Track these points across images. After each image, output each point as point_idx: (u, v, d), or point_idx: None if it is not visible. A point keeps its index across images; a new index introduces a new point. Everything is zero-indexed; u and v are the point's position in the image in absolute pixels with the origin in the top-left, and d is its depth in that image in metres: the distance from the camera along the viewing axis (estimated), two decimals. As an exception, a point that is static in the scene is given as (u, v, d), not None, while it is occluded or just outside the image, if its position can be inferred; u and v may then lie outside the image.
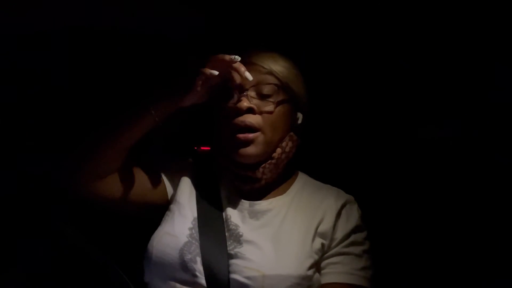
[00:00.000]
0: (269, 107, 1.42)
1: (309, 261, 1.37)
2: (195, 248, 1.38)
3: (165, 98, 1.41)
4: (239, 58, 1.36)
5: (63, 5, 1.48)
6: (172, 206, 1.47)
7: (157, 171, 1.50)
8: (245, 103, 1.40)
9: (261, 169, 1.44)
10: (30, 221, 1.56)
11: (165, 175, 1.51)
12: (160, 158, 1.56)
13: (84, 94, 1.72)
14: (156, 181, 1.49)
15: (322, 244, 1.40)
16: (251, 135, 1.41)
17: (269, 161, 1.44)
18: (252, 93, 1.42)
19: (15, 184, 1.63)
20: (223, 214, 1.45)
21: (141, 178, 1.47)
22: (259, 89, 1.42)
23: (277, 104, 1.43)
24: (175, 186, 1.50)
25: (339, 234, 1.41)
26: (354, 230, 1.42)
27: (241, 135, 1.41)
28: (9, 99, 1.65)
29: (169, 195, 1.50)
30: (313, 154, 1.64)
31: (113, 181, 1.42)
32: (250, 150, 1.41)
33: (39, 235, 1.54)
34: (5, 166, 1.64)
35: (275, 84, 1.43)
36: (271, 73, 1.43)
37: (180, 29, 1.69)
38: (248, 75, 1.37)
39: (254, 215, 1.44)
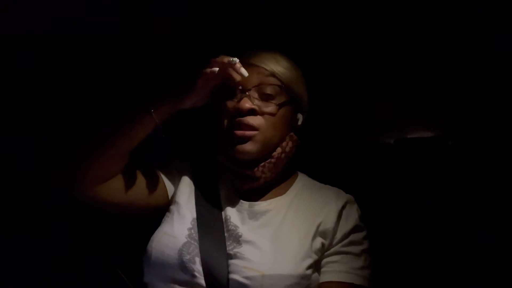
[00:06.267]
0: (271, 109, 1.42)
1: (308, 261, 1.37)
2: (194, 249, 1.38)
3: (166, 99, 1.40)
4: (238, 60, 1.36)
5: (62, 4, 1.48)
6: (172, 207, 1.47)
7: (158, 174, 1.50)
8: (247, 104, 1.40)
9: (260, 168, 1.44)
10: (29, 222, 1.56)
11: (166, 177, 1.51)
12: (160, 160, 1.55)
13: (83, 95, 1.72)
14: (157, 184, 1.49)
15: (322, 244, 1.40)
16: (248, 132, 1.41)
17: (269, 160, 1.44)
18: (254, 94, 1.42)
19: (14, 185, 1.63)
20: (222, 214, 1.45)
21: (142, 181, 1.46)
22: (261, 90, 1.42)
23: (279, 105, 1.43)
24: (175, 187, 1.50)
25: (338, 234, 1.41)
26: (353, 230, 1.42)
27: (238, 132, 1.41)
28: (8, 100, 1.65)
29: (170, 197, 1.50)
30: (313, 154, 1.64)
31: (114, 185, 1.42)
32: (247, 147, 1.41)
33: (38, 236, 1.54)
34: (5, 167, 1.64)
35: (277, 86, 1.43)
36: (273, 74, 1.43)
37: (181, 29, 1.69)
38: (244, 71, 1.37)
39: (254, 215, 1.44)
